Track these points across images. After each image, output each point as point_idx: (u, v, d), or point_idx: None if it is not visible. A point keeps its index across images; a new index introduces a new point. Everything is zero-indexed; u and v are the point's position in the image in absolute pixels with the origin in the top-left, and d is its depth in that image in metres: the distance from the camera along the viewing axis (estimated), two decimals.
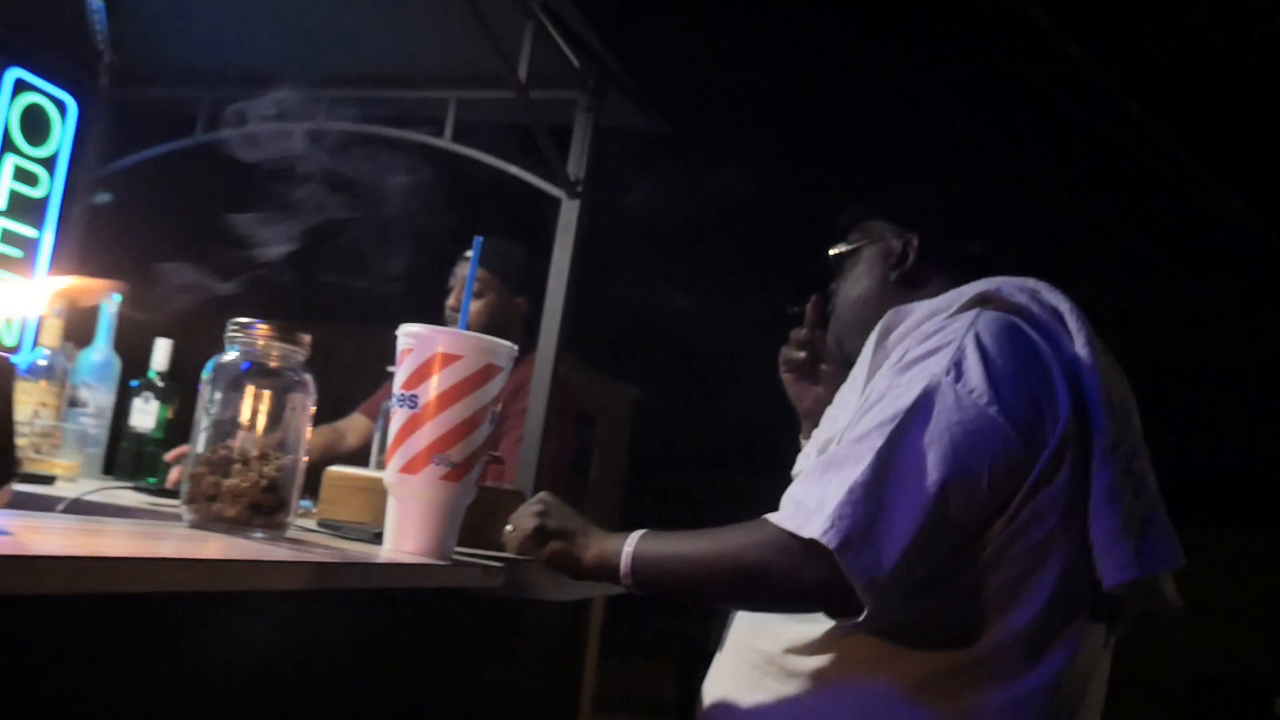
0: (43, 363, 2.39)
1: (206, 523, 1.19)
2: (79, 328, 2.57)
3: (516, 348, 1.45)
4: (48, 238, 3.28)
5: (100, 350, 2.61)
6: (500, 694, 1.75)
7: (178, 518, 1.25)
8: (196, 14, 3.22)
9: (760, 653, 1.47)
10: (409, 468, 1.33)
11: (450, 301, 2.82)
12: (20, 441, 2.36)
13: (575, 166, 2.96)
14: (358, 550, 1.33)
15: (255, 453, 1.21)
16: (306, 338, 1.27)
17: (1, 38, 3.13)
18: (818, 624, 1.40)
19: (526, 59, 2.80)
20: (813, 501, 1.27)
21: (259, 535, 1.20)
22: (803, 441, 1.81)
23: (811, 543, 1.25)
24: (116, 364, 2.63)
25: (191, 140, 3.36)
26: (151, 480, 2.45)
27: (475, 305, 2.75)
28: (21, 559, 0.69)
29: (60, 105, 3.30)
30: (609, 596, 2.00)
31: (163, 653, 0.98)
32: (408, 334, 1.38)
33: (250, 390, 1.23)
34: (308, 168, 2.86)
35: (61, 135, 3.29)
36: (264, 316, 1.31)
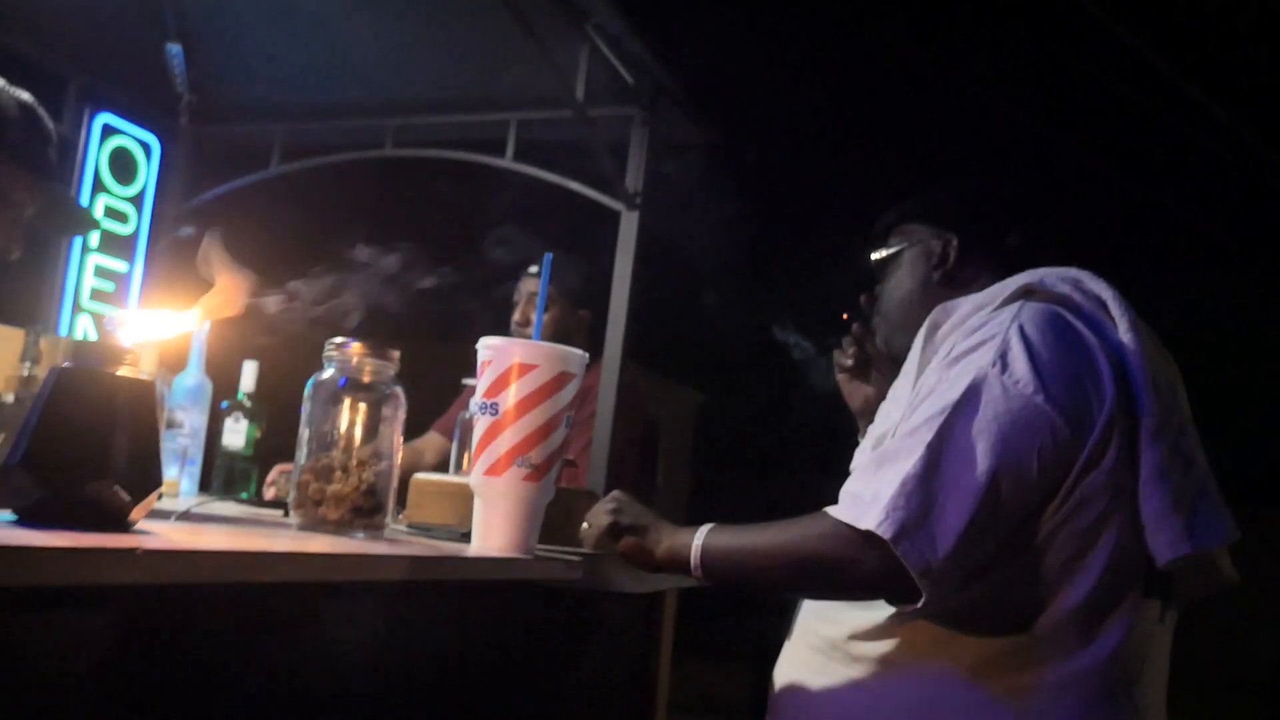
0: None
1: (313, 525, 1.31)
2: (172, 354, 2.73)
3: (587, 355, 1.55)
4: (137, 271, 3.46)
5: (193, 374, 2.77)
6: (579, 685, 1.85)
7: (278, 525, 1.37)
8: (267, 52, 3.39)
9: (825, 639, 1.54)
10: (493, 470, 1.44)
11: (516, 317, 2.91)
12: None
13: (633, 180, 3.07)
14: (449, 547, 1.44)
15: (354, 461, 1.33)
16: (395, 354, 1.38)
17: (89, 87, 3.33)
18: (879, 610, 1.47)
19: (583, 78, 2.90)
20: (868, 494, 1.34)
21: (360, 535, 1.31)
22: (860, 440, 1.88)
23: (868, 534, 1.31)
24: (208, 387, 2.78)
25: (268, 173, 3.53)
26: (245, 495, 2.59)
27: (543, 319, 2.85)
28: (181, 553, 0.80)
29: (145, 146, 3.49)
30: (682, 594, 2.09)
31: (284, 638, 1.09)
32: (487, 346, 1.48)
33: (347, 403, 1.34)
34: (378, 194, 2.99)
35: (147, 174, 3.49)
36: (350, 336, 1.43)
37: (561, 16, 2.84)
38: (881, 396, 1.67)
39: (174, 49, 3.40)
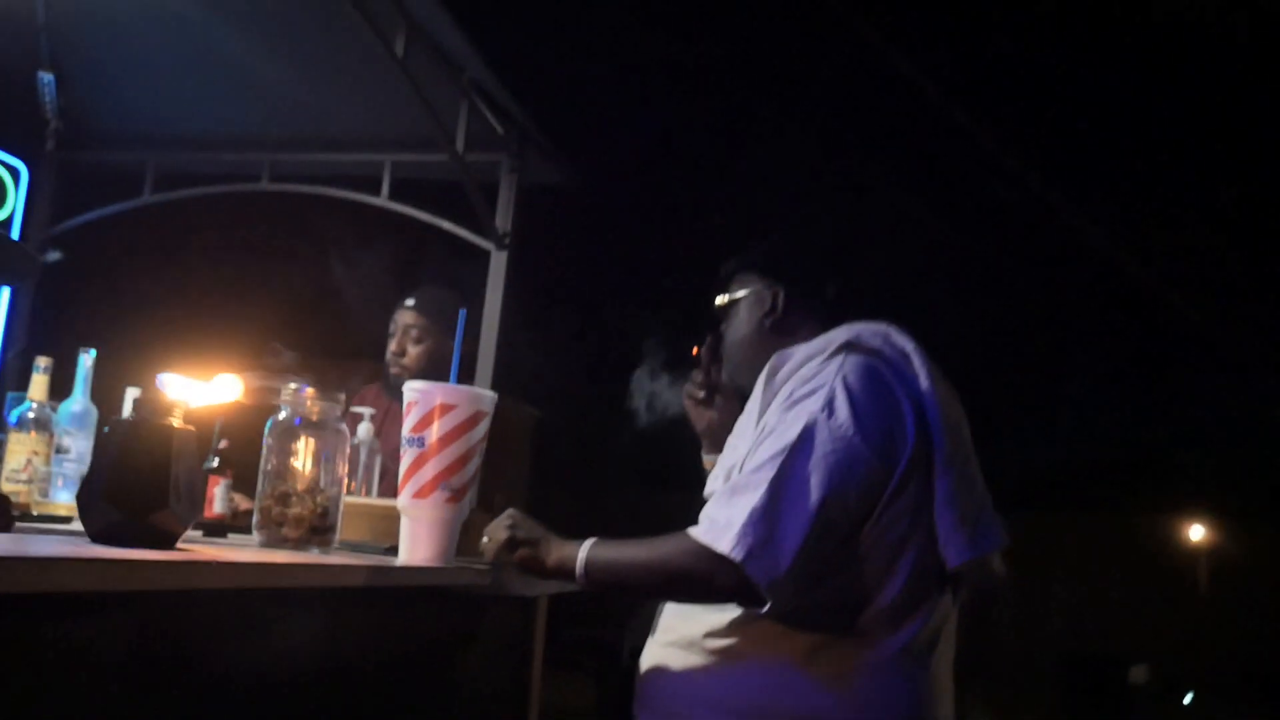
0: (31, 415, 2.66)
1: (275, 542, 1.55)
2: (59, 380, 2.84)
3: (494, 396, 1.83)
4: (3, 294, 3.50)
5: (78, 401, 2.88)
6: (467, 677, 2.13)
7: (242, 542, 1.60)
8: (143, 81, 3.49)
9: (684, 636, 1.86)
10: (420, 494, 1.71)
11: (392, 348, 3.06)
12: (20, 488, 2.64)
13: (502, 220, 3.34)
14: (383, 560, 1.70)
15: (307, 488, 1.58)
16: (341, 396, 1.64)
17: None
18: (728, 612, 1.80)
19: (463, 129, 3.16)
20: (722, 520, 1.67)
21: (315, 550, 1.57)
22: (705, 459, 2.22)
23: (723, 555, 1.64)
24: (94, 413, 2.89)
25: (140, 201, 3.63)
26: None
27: (416, 350, 3.03)
28: (234, 565, 1.06)
29: (14, 171, 3.53)
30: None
31: (253, 634, 1.34)
32: (413, 389, 1.75)
33: (302, 439, 1.59)
34: (254, 227, 3.16)
35: (15, 200, 3.53)
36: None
37: (439, 67, 3.09)
38: (723, 422, 2.01)
39: (45, 77, 3.46)
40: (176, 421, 1.14)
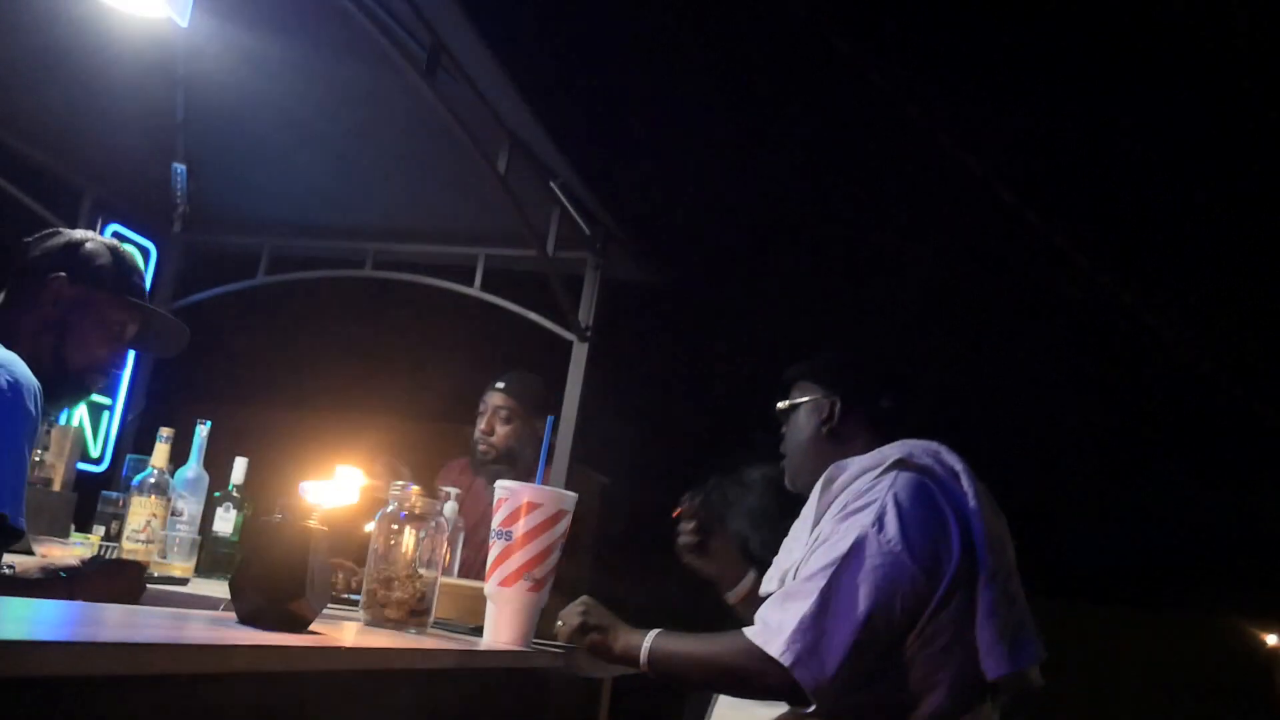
0: (151, 480, 2.92)
1: (379, 622, 1.75)
2: (176, 448, 3.11)
3: (576, 496, 2.02)
4: (127, 364, 3.82)
5: (193, 468, 3.14)
6: None
7: (348, 619, 1.80)
8: (264, 174, 3.83)
9: None
10: (505, 582, 1.91)
11: (482, 427, 3.28)
12: (139, 548, 2.89)
13: (585, 314, 3.57)
14: (469, 640, 1.89)
15: (409, 573, 1.78)
16: (444, 492, 1.85)
17: (103, 199, 3.72)
18: (779, 709, 1.95)
19: (554, 231, 3.41)
20: (775, 624, 1.83)
21: (412, 631, 1.77)
22: (728, 597, 2.36)
23: (774, 658, 1.81)
24: (205, 479, 3.15)
25: (255, 281, 3.94)
26: (227, 577, 2.96)
27: (503, 430, 3.25)
28: (364, 650, 1.26)
29: (144, 251, 3.88)
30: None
31: (359, 706, 1.54)
32: (504, 488, 1.96)
33: (406, 530, 1.80)
34: (355, 310, 3.41)
35: (146, 275, 3.86)
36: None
37: (534, 175, 3.35)
38: (724, 564, 2.18)
39: (178, 167, 3.82)
40: (314, 523, 1.35)
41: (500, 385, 3.26)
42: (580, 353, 3.54)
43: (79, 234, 2.07)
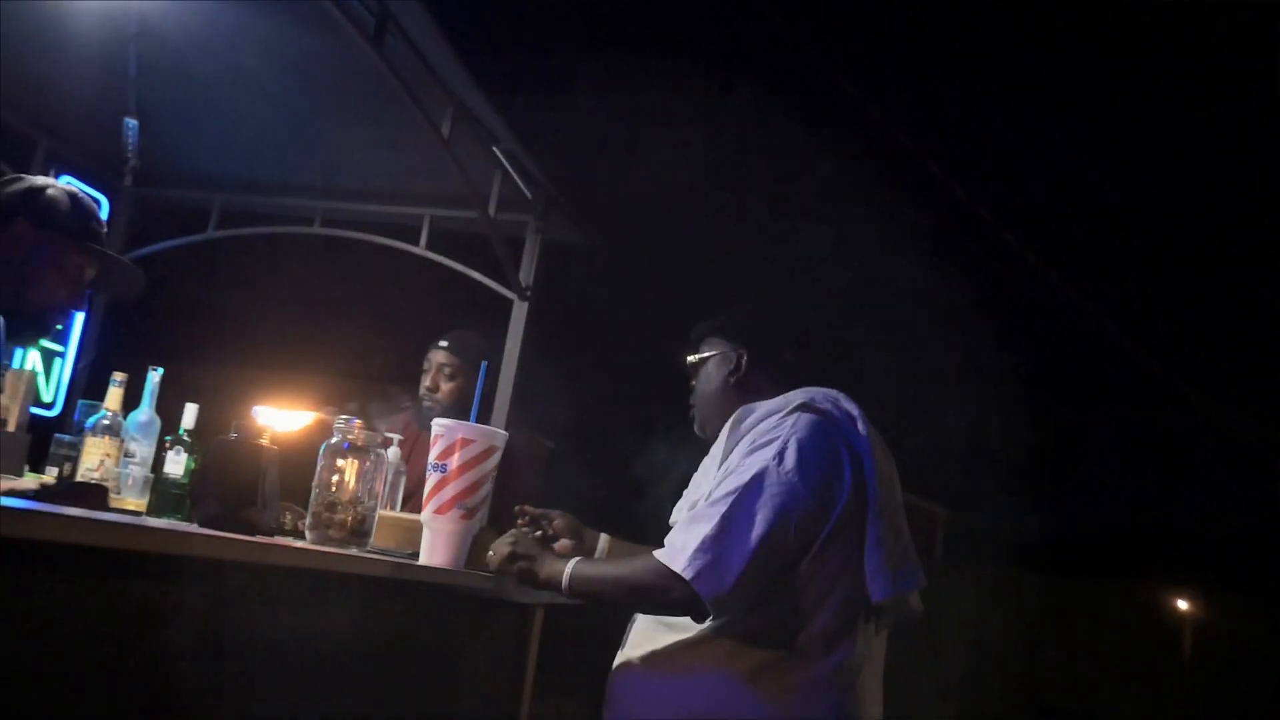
0: (105, 422, 3.06)
1: (323, 540, 1.94)
2: (128, 394, 3.24)
3: (506, 434, 2.21)
4: (79, 317, 3.93)
5: (145, 412, 3.28)
6: (469, 669, 2.50)
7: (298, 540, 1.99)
8: (214, 130, 3.93)
9: (649, 650, 2.20)
10: (440, 510, 2.10)
11: (427, 383, 3.44)
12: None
13: (526, 274, 3.74)
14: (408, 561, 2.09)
15: (350, 498, 1.97)
16: (384, 427, 2.03)
17: (54, 151, 3.81)
18: (687, 632, 2.15)
19: (495, 194, 3.57)
20: (679, 544, 2.03)
21: (354, 549, 1.95)
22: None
23: (677, 573, 2.00)
24: (157, 423, 3.29)
25: (205, 235, 4.06)
26: (177, 516, 3.11)
27: (447, 386, 3.41)
28: (309, 551, 1.44)
29: (97, 202, 3.96)
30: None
31: (301, 609, 1.73)
32: (439, 425, 2.15)
33: (349, 461, 1.98)
34: (303, 266, 3.56)
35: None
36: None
37: (477, 140, 3.50)
38: (577, 546, 2.34)
39: (130, 122, 3.91)
40: (265, 442, 1.53)
41: (444, 344, 3.42)
42: (520, 311, 3.71)
43: (40, 180, 2.20)
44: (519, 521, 2.43)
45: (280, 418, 1.65)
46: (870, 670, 2.23)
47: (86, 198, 2.27)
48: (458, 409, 3.33)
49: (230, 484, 1.45)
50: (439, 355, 3.42)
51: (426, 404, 3.37)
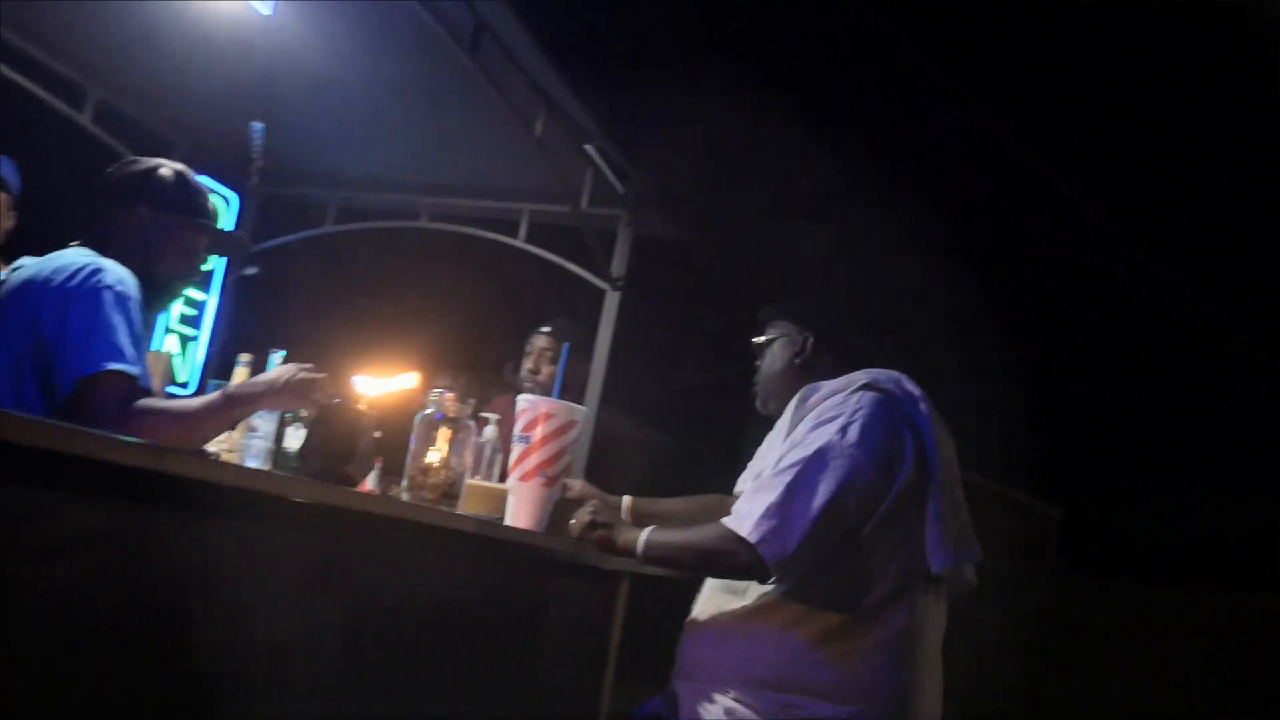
0: None
1: (418, 500, 2.16)
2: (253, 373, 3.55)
3: (586, 410, 2.40)
4: (212, 301, 4.29)
5: None
6: (556, 635, 2.69)
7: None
8: (333, 134, 4.23)
9: (718, 615, 2.34)
10: (524, 478, 2.30)
11: (529, 366, 3.66)
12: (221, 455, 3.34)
13: (618, 267, 3.93)
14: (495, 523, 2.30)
15: (442, 464, 2.18)
16: (473, 400, 2.24)
17: (190, 152, 4.16)
18: (755, 598, 2.29)
19: (587, 190, 3.77)
20: (745, 511, 2.18)
21: (444, 508, 2.17)
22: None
23: (743, 537, 2.15)
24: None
25: (323, 230, 4.38)
26: None
27: (548, 370, 3.60)
28: (399, 502, 1.65)
29: (226, 200, 4.32)
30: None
31: (397, 561, 1.94)
32: (524, 400, 2.35)
33: (441, 430, 2.20)
34: (411, 257, 3.79)
35: (227, 222, 4.32)
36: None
37: (567, 135, 3.70)
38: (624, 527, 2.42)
39: (257, 126, 4.23)
40: (362, 407, 1.75)
41: (546, 329, 3.63)
42: (612, 301, 3.90)
43: (152, 161, 2.42)
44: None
45: (375, 385, 1.87)
46: (930, 639, 2.33)
47: (193, 176, 2.47)
48: (564, 392, 3.53)
49: (330, 443, 1.67)
50: (541, 340, 3.63)
51: (527, 385, 3.57)
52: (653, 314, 4.27)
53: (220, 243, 2.59)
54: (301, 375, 2.12)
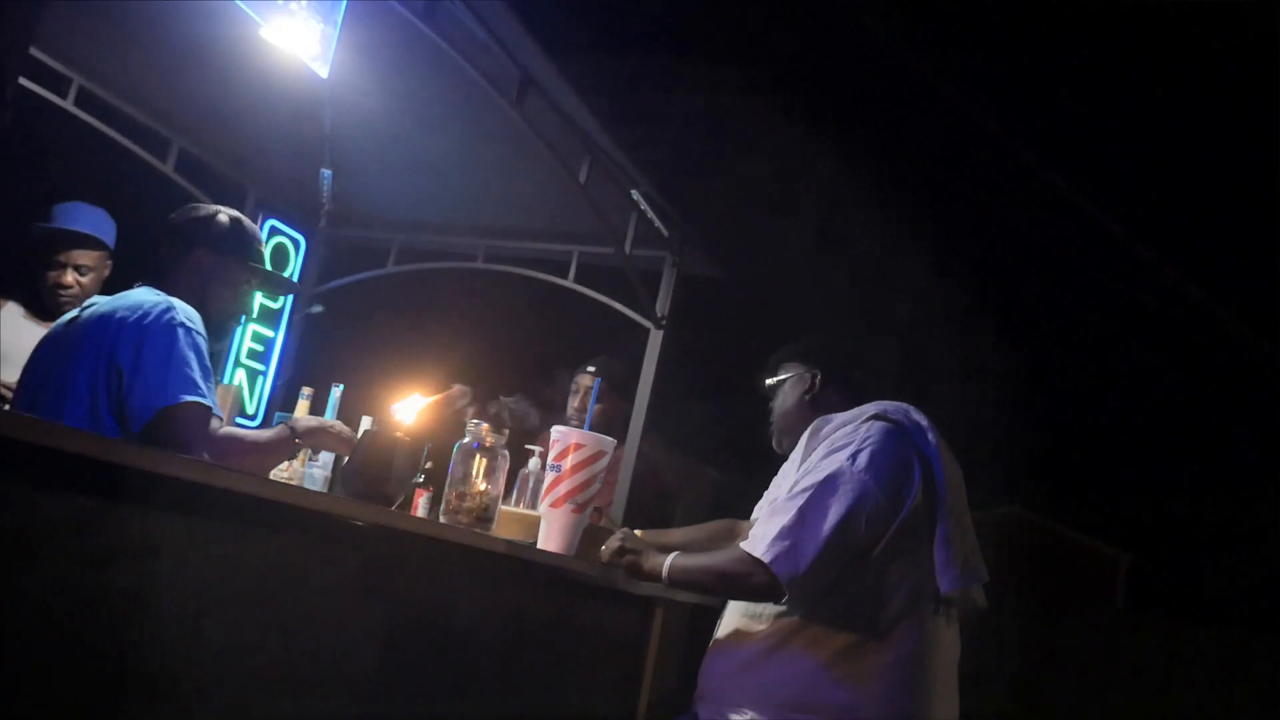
0: None
1: (454, 523, 2.32)
2: (314, 406, 3.76)
3: (615, 441, 2.55)
4: (279, 337, 4.54)
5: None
6: (592, 653, 2.83)
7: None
8: (394, 180, 4.48)
9: (739, 640, 2.47)
10: (555, 504, 2.46)
11: (575, 404, 3.85)
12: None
13: (661, 306, 4.09)
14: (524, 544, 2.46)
15: (477, 489, 2.35)
16: (506, 431, 2.41)
17: (263, 198, 4.44)
18: (774, 622, 2.41)
19: (632, 232, 3.95)
20: (760, 534, 2.31)
21: (479, 531, 2.33)
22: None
23: (758, 559, 2.29)
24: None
25: (385, 270, 4.62)
26: None
27: (595, 408, 3.77)
28: (432, 522, 1.82)
29: (295, 242, 4.59)
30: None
31: (431, 577, 2.10)
32: (556, 431, 2.51)
33: (477, 458, 2.37)
34: (468, 295, 3.99)
35: (295, 263, 4.58)
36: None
37: (611, 181, 3.88)
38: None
39: (325, 173, 4.50)
40: (398, 434, 1.93)
41: (591, 369, 3.83)
42: (655, 339, 4.06)
43: (210, 208, 2.63)
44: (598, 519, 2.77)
45: (410, 410, 2.05)
46: (941, 661, 2.43)
47: (248, 220, 2.67)
48: (603, 426, 3.71)
49: (369, 466, 1.84)
50: (586, 379, 3.82)
51: (574, 422, 3.75)
52: (694, 347, 4.42)
53: (269, 284, 2.82)
54: (342, 432, 2.48)
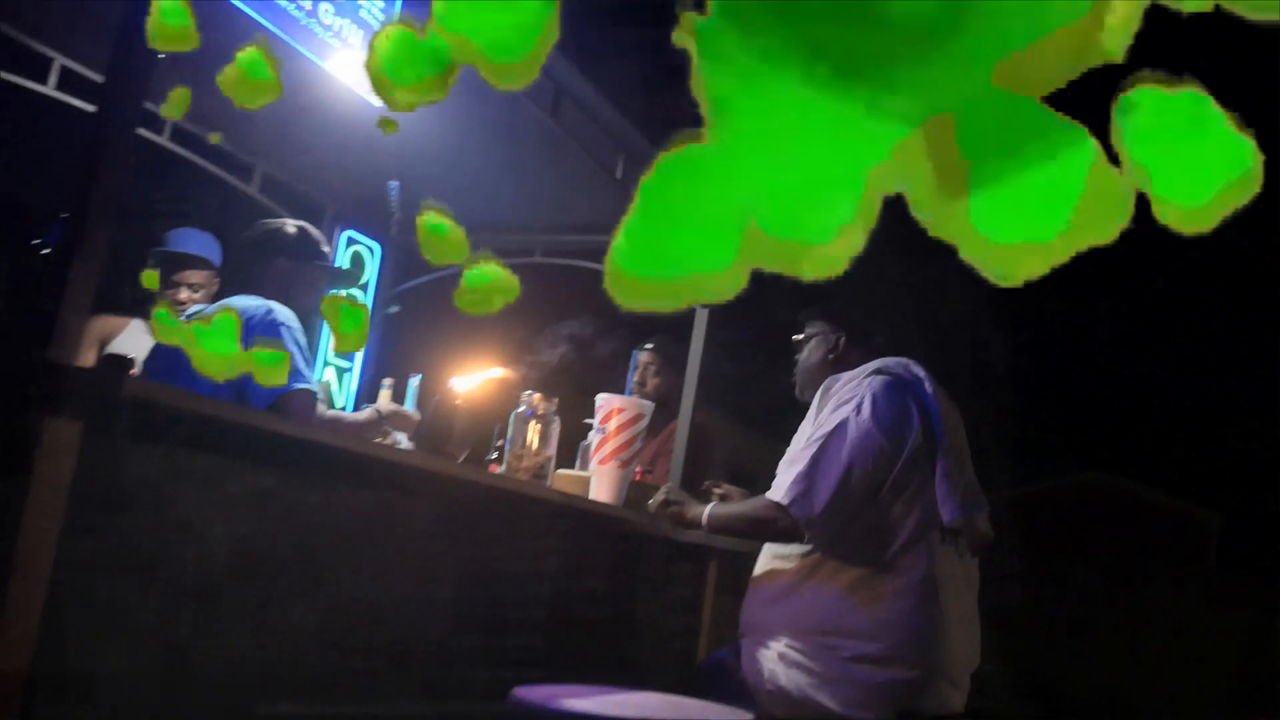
0: None
1: (514, 476, 2.69)
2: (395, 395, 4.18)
3: (652, 404, 2.90)
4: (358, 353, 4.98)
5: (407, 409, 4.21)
6: (652, 599, 3.18)
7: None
8: (457, 185, 4.87)
9: (774, 572, 2.81)
10: (603, 461, 2.81)
11: (636, 378, 4.19)
12: None
13: None
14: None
15: (533, 449, 2.71)
16: (555, 400, 2.77)
17: (339, 211, 4.88)
18: (798, 561, 2.73)
19: None
20: (779, 481, 2.64)
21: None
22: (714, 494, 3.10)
23: (779, 503, 2.62)
24: (416, 418, 4.21)
25: (450, 270, 5.01)
26: None
27: (653, 381, 4.14)
28: (496, 474, 2.20)
29: (371, 250, 5.02)
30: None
31: (497, 526, 2.47)
32: (600, 398, 2.87)
33: (532, 424, 2.73)
34: (530, 289, 4.35)
35: (372, 269, 5.02)
36: (523, 388, 2.82)
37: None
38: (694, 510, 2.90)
39: (393, 185, 4.92)
40: (458, 402, 2.30)
41: (649, 346, 4.17)
42: (701, 317, 4.37)
43: (278, 221, 3.01)
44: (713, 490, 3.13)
45: (467, 382, 2.43)
46: (953, 588, 2.72)
47: (311, 227, 3.03)
48: (662, 399, 4.05)
49: (434, 429, 2.21)
50: (645, 356, 4.17)
51: (636, 395, 4.09)
52: (738, 321, 4.74)
53: (337, 279, 3.21)
54: (411, 414, 2.86)
